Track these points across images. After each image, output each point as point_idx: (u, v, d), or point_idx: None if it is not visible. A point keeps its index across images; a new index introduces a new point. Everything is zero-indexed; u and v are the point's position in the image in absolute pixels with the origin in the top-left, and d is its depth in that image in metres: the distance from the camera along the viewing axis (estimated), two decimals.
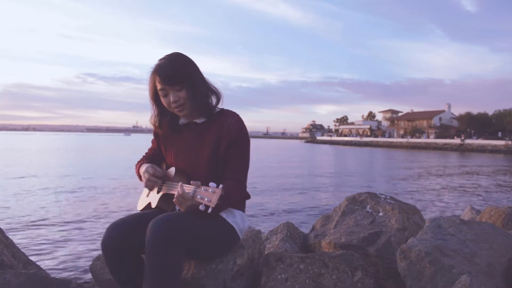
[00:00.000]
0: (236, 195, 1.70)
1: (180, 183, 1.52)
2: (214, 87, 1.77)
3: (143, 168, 1.81)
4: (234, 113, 1.77)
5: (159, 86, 1.67)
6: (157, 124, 1.80)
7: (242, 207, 1.81)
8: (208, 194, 1.42)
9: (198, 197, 1.44)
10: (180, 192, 1.48)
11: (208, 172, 1.69)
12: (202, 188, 1.45)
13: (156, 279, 1.45)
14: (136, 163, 1.94)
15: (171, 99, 1.66)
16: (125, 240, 1.61)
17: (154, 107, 1.77)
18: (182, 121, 1.80)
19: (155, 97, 1.74)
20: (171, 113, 1.76)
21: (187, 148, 1.76)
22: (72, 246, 4.96)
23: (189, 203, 1.49)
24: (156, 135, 1.91)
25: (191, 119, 1.78)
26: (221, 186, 1.43)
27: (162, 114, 1.77)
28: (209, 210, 1.43)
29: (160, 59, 1.70)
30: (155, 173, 1.75)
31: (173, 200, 1.53)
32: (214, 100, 1.76)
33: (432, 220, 2.24)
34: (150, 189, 1.81)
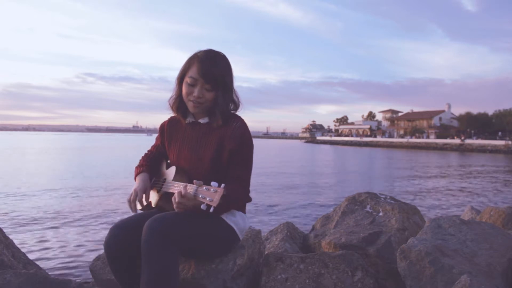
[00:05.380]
0: (239, 199, 1.70)
1: (182, 185, 1.52)
2: (237, 97, 1.77)
3: (136, 181, 1.80)
4: (239, 117, 1.76)
5: (192, 74, 1.66)
6: (174, 108, 1.79)
7: (242, 208, 1.81)
8: (210, 194, 1.42)
9: (200, 196, 1.44)
10: (182, 192, 1.48)
11: (209, 174, 1.69)
12: (204, 188, 1.45)
13: (152, 278, 1.45)
14: (136, 165, 1.93)
15: (196, 93, 1.66)
16: (128, 240, 1.61)
17: (177, 88, 1.76)
18: (188, 119, 1.81)
19: (181, 80, 1.73)
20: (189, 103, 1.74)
21: (189, 148, 1.76)
22: (72, 246, 4.96)
23: (191, 203, 1.49)
24: (161, 131, 1.92)
25: (196, 118, 1.79)
26: (223, 185, 1.42)
27: (182, 99, 1.75)
28: (211, 210, 1.42)
29: (207, 51, 1.69)
30: (139, 199, 1.73)
31: (176, 201, 1.52)
32: (231, 108, 1.76)
33: (432, 220, 2.24)
34: (131, 208, 1.78)
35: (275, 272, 1.92)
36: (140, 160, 1.93)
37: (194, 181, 1.49)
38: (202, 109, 1.71)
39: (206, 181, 1.56)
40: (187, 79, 1.68)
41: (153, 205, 1.77)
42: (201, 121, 1.77)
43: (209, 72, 1.64)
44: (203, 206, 1.41)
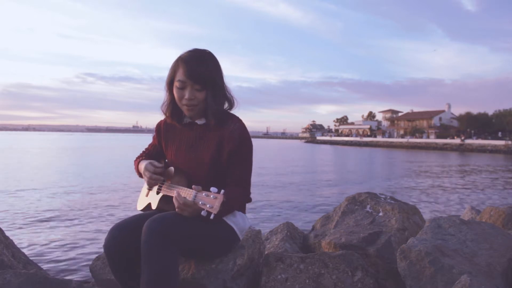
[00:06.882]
0: (239, 201, 1.70)
1: (176, 191, 1.51)
2: (230, 95, 1.74)
3: (142, 165, 1.79)
4: (237, 118, 1.75)
5: (180, 77, 1.63)
6: (168, 114, 1.77)
7: (242, 208, 1.80)
8: (210, 200, 1.41)
9: (200, 202, 1.43)
10: (180, 201, 1.48)
11: (207, 174, 1.69)
12: (204, 194, 1.44)
13: (152, 278, 1.45)
14: (135, 159, 1.93)
15: (187, 96, 1.63)
16: (128, 241, 1.61)
17: (167, 94, 1.74)
18: (185, 120, 1.80)
19: (171, 85, 1.70)
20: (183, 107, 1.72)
21: (187, 149, 1.75)
22: (72, 246, 4.96)
23: (190, 209, 1.49)
24: (158, 131, 1.90)
25: (192, 119, 1.78)
26: (222, 191, 1.42)
27: (174, 104, 1.73)
28: (211, 217, 1.41)
29: (191, 51, 1.66)
30: (156, 170, 1.72)
31: (176, 207, 1.53)
32: (226, 106, 1.74)
33: (432, 220, 2.24)
34: (152, 187, 1.80)
35: (275, 272, 1.92)
36: (138, 156, 1.94)
37: (193, 186, 1.48)
38: (197, 111, 1.69)
39: (206, 183, 1.56)
40: (176, 83, 1.65)
41: (153, 207, 1.77)
42: (198, 122, 1.76)
43: (195, 73, 1.60)
44: (203, 213, 1.41)
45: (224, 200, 1.41)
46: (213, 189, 1.42)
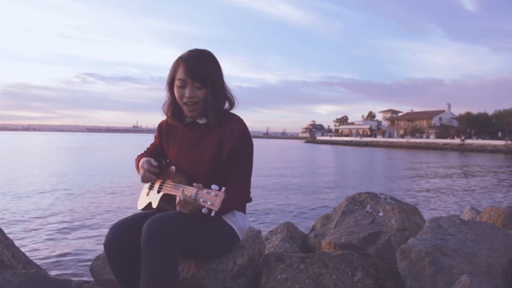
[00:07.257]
0: (239, 201, 1.70)
1: (181, 189, 1.52)
2: (231, 94, 1.75)
3: (140, 162, 1.81)
4: (238, 117, 1.75)
5: (180, 76, 1.65)
6: (169, 114, 1.78)
7: (242, 208, 1.80)
8: (211, 198, 1.41)
9: (201, 200, 1.43)
10: (181, 198, 1.48)
11: (208, 174, 1.69)
12: (205, 191, 1.44)
13: (152, 278, 1.45)
14: (136, 157, 1.94)
15: (187, 94, 1.64)
16: (128, 240, 1.61)
17: (168, 94, 1.75)
18: (186, 120, 1.80)
19: (172, 84, 1.71)
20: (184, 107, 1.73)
21: (188, 148, 1.76)
22: (72, 246, 4.96)
23: (191, 207, 1.49)
24: (159, 130, 1.91)
25: (194, 119, 1.78)
26: (223, 189, 1.42)
27: (176, 104, 1.74)
28: (212, 214, 1.41)
29: (191, 50, 1.68)
30: (150, 168, 1.74)
31: (176, 203, 1.53)
32: (227, 106, 1.75)
33: (432, 220, 2.24)
34: (147, 182, 1.80)
35: (275, 272, 1.92)
36: (140, 154, 1.95)
37: (194, 184, 1.48)
38: (198, 111, 1.70)
39: (206, 182, 1.56)
40: (177, 82, 1.66)
41: (153, 206, 1.77)
42: (200, 121, 1.76)
43: (195, 71, 1.62)
44: (204, 210, 1.41)
45: (225, 198, 1.42)
46: (214, 186, 1.43)
